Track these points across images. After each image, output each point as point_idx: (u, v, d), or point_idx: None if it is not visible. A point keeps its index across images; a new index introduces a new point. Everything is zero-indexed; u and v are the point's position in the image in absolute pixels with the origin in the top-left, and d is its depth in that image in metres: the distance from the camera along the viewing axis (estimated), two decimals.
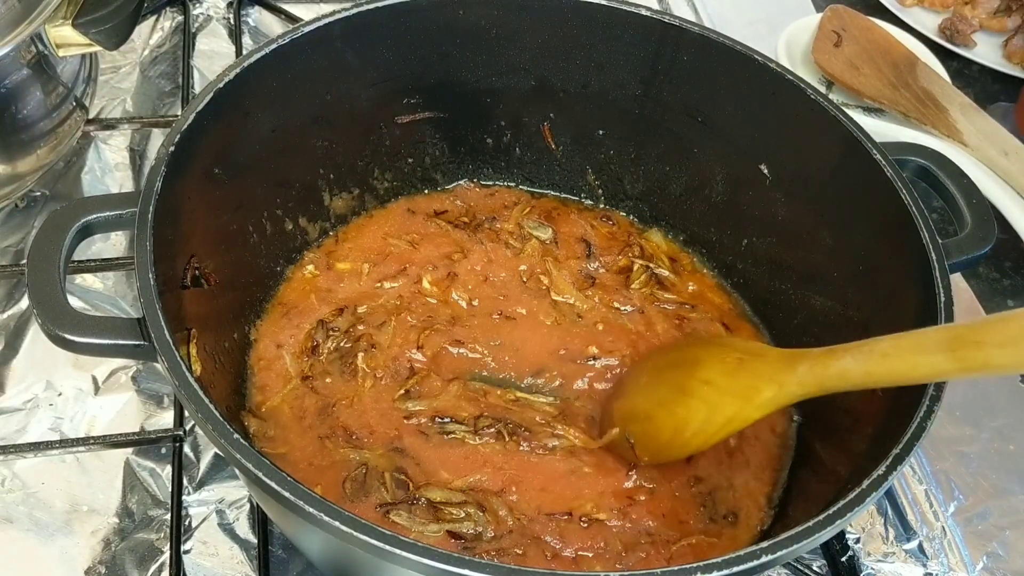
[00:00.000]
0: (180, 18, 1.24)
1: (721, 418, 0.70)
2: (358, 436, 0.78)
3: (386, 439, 0.78)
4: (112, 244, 0.98)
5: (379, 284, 0.90)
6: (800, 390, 0.67)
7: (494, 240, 0.94)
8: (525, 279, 0.91)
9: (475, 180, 1.00)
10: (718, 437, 0.72)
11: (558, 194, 1.02)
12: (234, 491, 0.81)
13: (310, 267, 0.91)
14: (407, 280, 0.90)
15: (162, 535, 0.78)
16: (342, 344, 0.84)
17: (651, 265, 0.94)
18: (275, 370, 0.83)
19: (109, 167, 1.06)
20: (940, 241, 0.71)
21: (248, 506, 0.80)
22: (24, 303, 0.92)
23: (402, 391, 0.81)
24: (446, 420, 0.79)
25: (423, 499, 0.73)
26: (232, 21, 1.24)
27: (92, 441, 0.83)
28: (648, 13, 0.87)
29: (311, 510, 0.52)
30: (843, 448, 0.70)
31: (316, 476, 0.75)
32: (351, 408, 0.80)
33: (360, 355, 0.83)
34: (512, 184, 1.01)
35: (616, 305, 0.90)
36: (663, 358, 0.81)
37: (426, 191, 0.99)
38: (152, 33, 1.22)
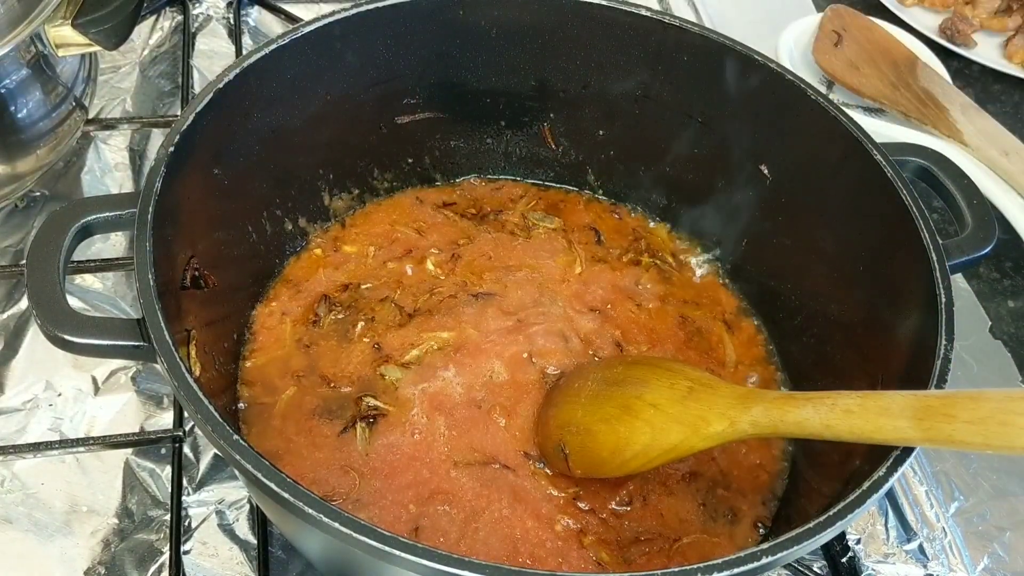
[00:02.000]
0: (180, 18, 1.24)
1: (665, 443, 0.68)
2: (335, 383, 0.82)
3: (361, 378, 0.82)
4: (112, 244, 0.98)
5: (384, 264, 0.92)
6: (753, 430, 0.65)
7: (499, 230, 0.96)
8: (532, 266, 0.93)
9: (481, 175, 1.01)
10: (659, 462, 0.70)
11: (564, 187, 1.02)
12: (234, 491, 0.81)
13: (317, 251, 0.93)
14: (412, 262, 0.92)
15: (162, 536, 0.78)
16: (341, 317, 0.86)
17: (658, 261, 0.94)
18: (275, 334, 0.85)
19: (109, 167, 1.06)
20: (940, 241, 0.71)
21: (248, 507, 0.80)
22: (24, 303, 0.92)
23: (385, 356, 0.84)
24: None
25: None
26: (232, 21, 1.24)
27: (92, 441, 0.83)
28: (648, 14, 0.87)
29: (310, 511, 0.52)
30: (844, 448, 0.69)
31: (301, 420, 0.79)
32: (335, 365, 0.83)
33: (360, 324, 0.85)
34: (518, 178, 1.02)
35: (624, 292, 0.92)
36: (608, 371, 0.78)
37: (428, 188, 1.00)
38: (152, 33, 1.22)
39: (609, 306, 0.90)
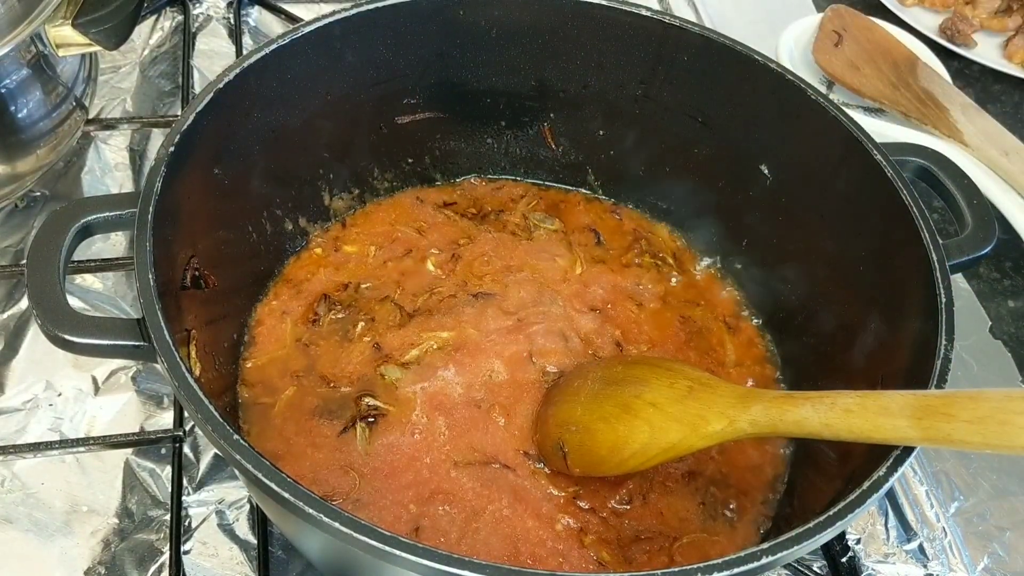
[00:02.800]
0: (180, 18, 1.24)
1: (664, 442, 0.69)
2: (335, 382, 0.82)
3: (361, 378, 0.82)
4: (112, 244, 0.98)
5: (384, 264, 0.92)
6: (752, 429, 0.65)
7: (500, 230, 0.96)
8: (532, 266, 0.93)
9: (482, 175, 1.01)
10: (657, 460, 0.70)
11: (564, 187, 1.02)
12: (234, 491, 0.81)
13: (318, 251, 0.93)
14: (412, 261, 0.92)
15: (162, 535, 0.78)
16: (341, 317, 0.86)
17: (658, 261, 0.94)
18: (275, 334, 0.85)
19: (109, 167, 1.06)
20: (940, 241, 0.71)
21: (248, 506, 0.80)
22: (24, 303, 0.92)
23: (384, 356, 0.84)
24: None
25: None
26: (232, 21, 1.24)
27: (92, 441, 0.83)
28: (648, 14, 0.87)
29: (311, 511, 0.52)
30: (844, 448, 0.70)
31: (301, 420, 0.79)
32: (335, 365, 0.83)
33: (360, 324, 0.86)
34: (518, 178, 1.02)
35: (624, 292, 0.92)
36: (608, 371, 0.78)
37: (428, 187, 1.00)
38: (152, 33, 1.22)
39: (609, 306, 0.90)
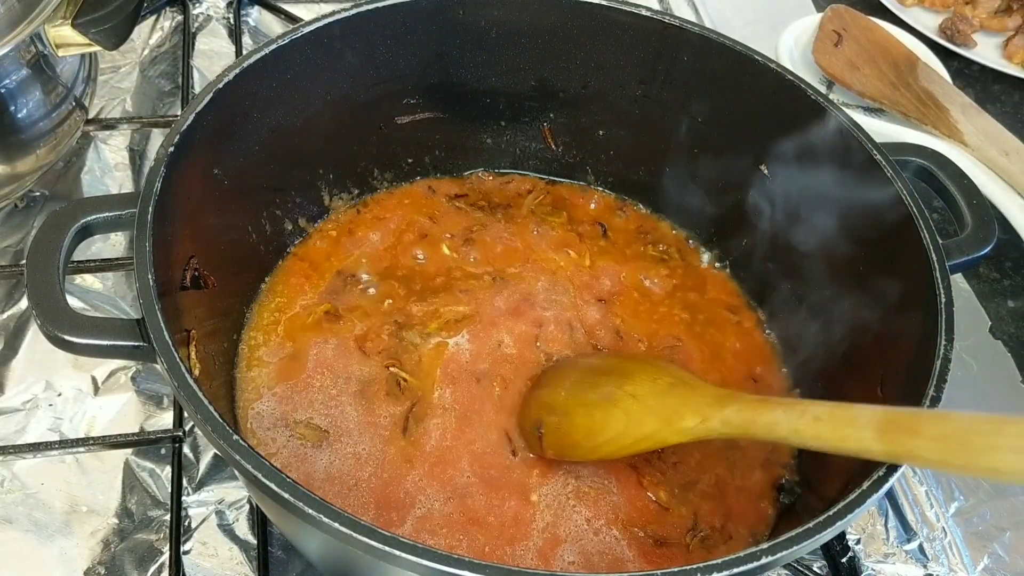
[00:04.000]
0: (180, 18, 1.24)
1: (638, 433, 0.70)
2: (365, 351, 0.83)
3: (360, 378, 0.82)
4: (112, 244, 0.98)
5: (395, 248, 0.92)
6: (724, 428, 0.66)
7: (509, 221, 0.97)
8: (541, 256, 0.94)
9: (490, 170, 1.01)
10: (631, 450, 0.72)
11: (570, 181, 1.02)
12: (234, 491, 0.81)
13: (332, 233, 0.93)
14: (425, 246, 0.93)
15: (162, 536, 0.78)
16: (343, 314, 0.86)
17: (664, 256, 0.95)
18: (275, 333, 0.85)
19: (109, 167, 1.06)
20: (940, 241, 0.71)
21: (248, 507, 0.80)
22: (24, 303, 0.92)
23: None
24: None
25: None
26: (232, 21, 1.24)
27: (92, 442, 0.83)
28: (648, 13, 0.87)
29: (310, 511, 0.52)
30: None
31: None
32: (336, 364, 0.83)
33: (364, 320, 0.86)
34: (525, 172, 1.02)
35: (629, 285, 0.93)
36: (596, 361, 0.81)
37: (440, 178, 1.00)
38: (152, 33, 1.22)
39: (614, 299, 0.91)
